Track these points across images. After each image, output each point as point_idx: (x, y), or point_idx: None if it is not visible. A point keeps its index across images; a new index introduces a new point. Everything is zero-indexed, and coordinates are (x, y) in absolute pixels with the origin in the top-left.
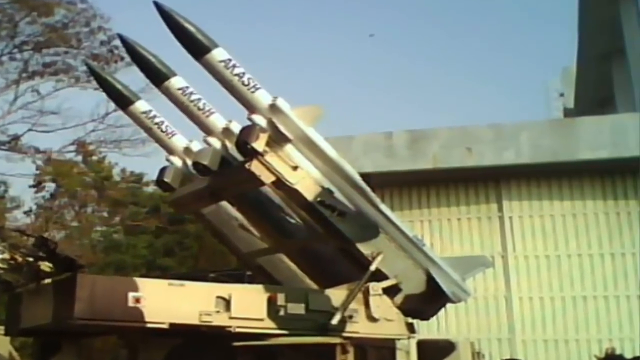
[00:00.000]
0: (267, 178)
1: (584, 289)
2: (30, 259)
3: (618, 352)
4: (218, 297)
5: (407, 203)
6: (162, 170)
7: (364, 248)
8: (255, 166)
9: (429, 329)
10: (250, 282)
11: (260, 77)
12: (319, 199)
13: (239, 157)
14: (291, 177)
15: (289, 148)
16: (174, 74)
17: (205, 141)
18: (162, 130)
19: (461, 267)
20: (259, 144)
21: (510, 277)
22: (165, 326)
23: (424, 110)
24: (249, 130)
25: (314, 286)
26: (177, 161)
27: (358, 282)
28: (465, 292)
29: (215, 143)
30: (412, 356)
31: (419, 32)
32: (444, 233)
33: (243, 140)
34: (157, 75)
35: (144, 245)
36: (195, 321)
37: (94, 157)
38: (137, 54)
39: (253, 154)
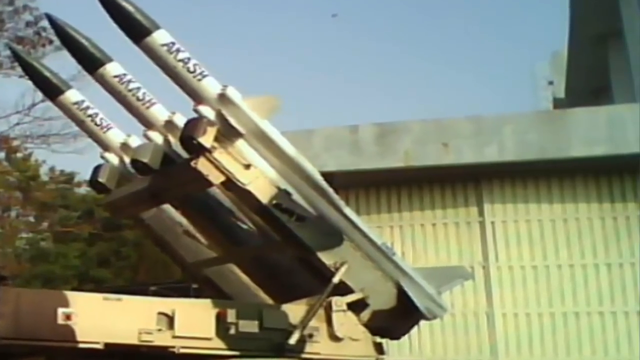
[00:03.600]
0: (216, 178)
1: (577, 304)
2: None
3: None
4: (160, 313)
5: (375, 206)
6: (96, 169)
7: (326, 258)
8: (202, 164)
9: (400, 350)
10: (197, 296)
11: (208, 63)
12: (274, 201)
13: (184, 154)
14: (243, 177)
15: (240, 144)
16: (110, 60)
17: (146, 136)
18: (96, 124)
19: (437, 279)
20: (207, 139)
21: (493, 290)
22: (99, 346)
23: (394, 100)
24: (195, 124)
25: (269, 301)
26: (114, 159)
27: (319, 297)
28: (441, 307)
29: (157, 138)
30: None
31: (388, 11)
32: (417, 240)
33: (188, 135)
34: (90, 61)
35: (75, 255)
36: (134, 341)
37: (19, 154)
38: (67, 37)
39: (200, 151)
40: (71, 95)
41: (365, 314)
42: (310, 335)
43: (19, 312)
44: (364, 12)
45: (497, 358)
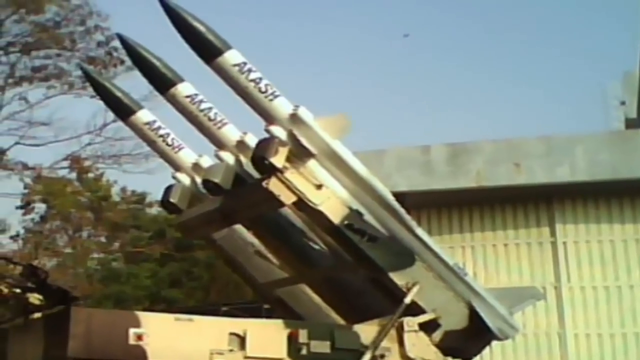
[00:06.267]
0: (288, 198)
1: None
2: (18, 291)
3: None
4: (231, 333)
5: (446, 227)
6: (168, 190)
7: (398, 278)
8: (273, 185)
9: None
10: (268, 316)
11: (279, 83)
12: (346, 222)
13: (255, 175)
14: (315, 197)
15: (312, 164)
16: (181, 80)
17: (217, 156)
18: (167, 144)
19: (508, 300)
20: (278, 160)
21: (565, 310)
22: None
23: (466, 120)
24: (266, 144)
25: (341, 321)
26: (185, 179)
27: (391, 317)
28: (513, 328)
29: (228, 158)
30: None
31: (458, 30)
32: (488, 261)
33: (260, 155)
34: (162, 81)
35: (147, 275)
36: None
37: (90, 174)
38: (139, 57)
39: (271, 171)
40: (143, 116)
41: (437, 335)
42: (382, 356)
43: (91, 332)
44: (433, 32)
45: None
